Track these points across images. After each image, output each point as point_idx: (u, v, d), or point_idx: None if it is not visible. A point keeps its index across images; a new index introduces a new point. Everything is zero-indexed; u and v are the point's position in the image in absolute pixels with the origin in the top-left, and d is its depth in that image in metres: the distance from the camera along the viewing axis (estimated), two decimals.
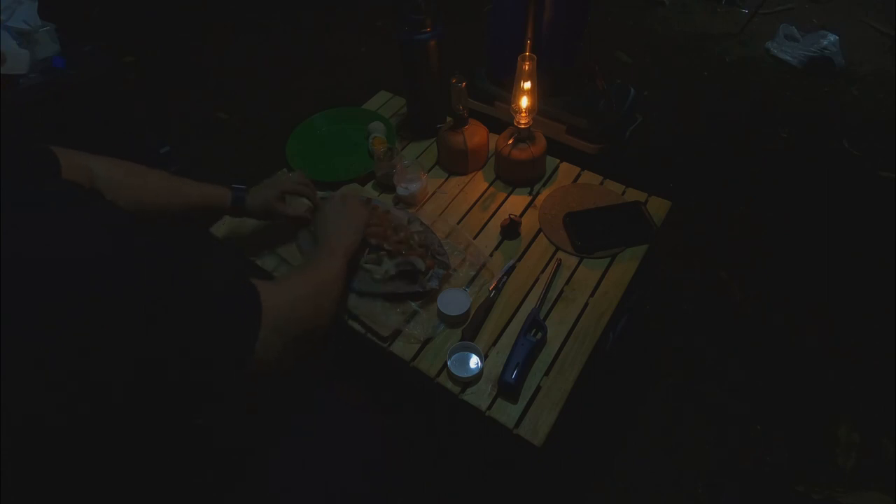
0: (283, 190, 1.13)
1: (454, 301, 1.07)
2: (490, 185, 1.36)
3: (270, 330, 0.68)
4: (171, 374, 0.59)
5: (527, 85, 1.21)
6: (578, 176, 1.37)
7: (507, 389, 0.97)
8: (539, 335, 1.02)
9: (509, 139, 1.30)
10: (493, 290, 1.12)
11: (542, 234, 1.24)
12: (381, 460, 0.95)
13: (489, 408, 0.97)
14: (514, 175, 1.34)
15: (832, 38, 2.62)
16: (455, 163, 1.37)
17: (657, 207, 1.27)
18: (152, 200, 0.95)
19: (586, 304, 1.11)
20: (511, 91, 1.24)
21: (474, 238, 1.23)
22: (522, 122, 1.26)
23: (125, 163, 0.93)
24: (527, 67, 1.18)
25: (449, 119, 1.39)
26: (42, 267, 0.51)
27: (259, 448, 0.85)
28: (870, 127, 2.36)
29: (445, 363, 1.00)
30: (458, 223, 1.27)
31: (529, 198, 1.32)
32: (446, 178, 1.38)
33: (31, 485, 0.55)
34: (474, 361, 1.01)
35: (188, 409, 0.68)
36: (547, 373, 1.01)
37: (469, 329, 1.06)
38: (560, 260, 1.18)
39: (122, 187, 0.89)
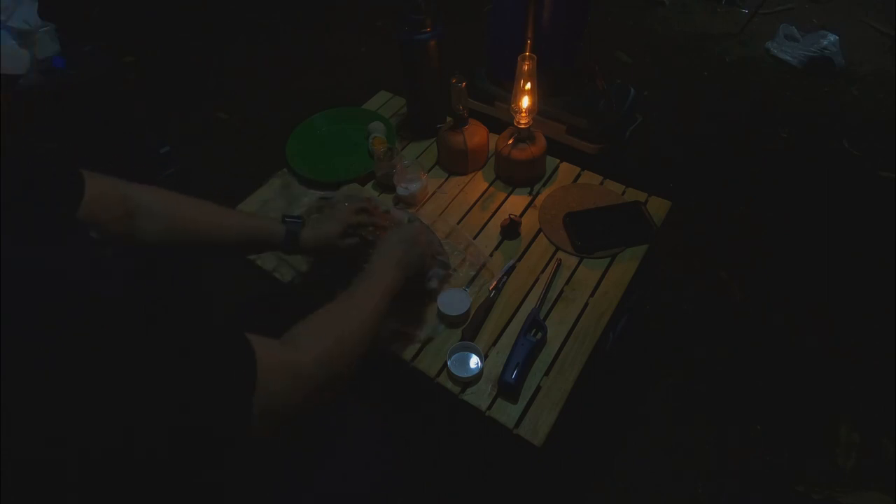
0: (347, 224, 1.01)
1: (454, 301, 1.07)
2: (490, 185, 1.36)
3: (288, 382, 0.62)
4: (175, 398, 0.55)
5: (527, 85, 1.21)
6: (578, 176, 1.37)
7: (507, 389, 0.97)
8: (539, 335, 1.02)
9: (509, 139, 1.30)
10: (493, 290, 1.12)
11: (542, 234, 1.24)
12: (381, 460, 0.95)
13: (489, 408, 0.97)
14: (514, 175, 1.34)
15: (832, 38, 2.62)
16: (455, 163, 1.37)
17: (657, 207, 1.27)
18: (186, 228, 0.89)
19: (586, 304, 1.11)
20: (511, 91, 1.24)
21: (474, 238, 1.23)
22: (522, 122, 1.26)
23: (166, 192, 0.89)
24: (527, 67, 1.18)
25: (449, 119, 1.39)
26: (42, 267, 0.51)
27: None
28: (870, 127, 2.36)
29: (445, 363, 1.00)
30: (458, 223, 1.27)
31: (529, 198, 1.32)
32: (446, 178, 1.37)
33: (31, 487, 0.55)
34: (474, 361, 1.01)
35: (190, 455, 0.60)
36: (547, 373, 1.01)
37: (469, 329, 1.06)
38: (560, 260, 1.18)
39: (157, 216, 0.85)
